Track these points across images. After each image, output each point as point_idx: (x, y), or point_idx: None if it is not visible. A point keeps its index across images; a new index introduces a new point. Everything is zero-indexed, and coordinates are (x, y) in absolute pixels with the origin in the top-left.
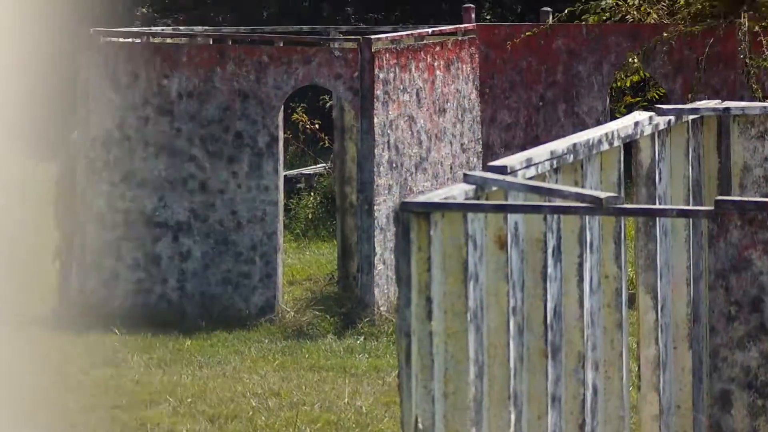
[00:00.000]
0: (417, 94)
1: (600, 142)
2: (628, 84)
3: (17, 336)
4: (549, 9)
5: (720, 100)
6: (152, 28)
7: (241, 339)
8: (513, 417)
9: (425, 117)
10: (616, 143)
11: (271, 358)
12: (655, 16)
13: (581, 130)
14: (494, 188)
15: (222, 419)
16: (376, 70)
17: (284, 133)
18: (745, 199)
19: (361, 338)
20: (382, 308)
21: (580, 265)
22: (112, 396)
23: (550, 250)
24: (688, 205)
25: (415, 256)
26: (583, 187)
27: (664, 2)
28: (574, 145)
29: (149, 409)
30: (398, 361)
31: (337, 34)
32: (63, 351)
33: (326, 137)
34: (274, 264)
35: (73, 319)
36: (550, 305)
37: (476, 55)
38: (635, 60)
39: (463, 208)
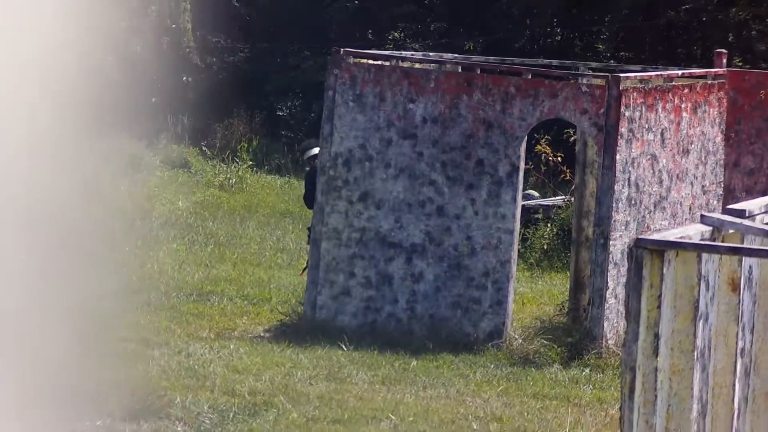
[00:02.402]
0: (662, 134)
1: None
2: None
3: (243, 344)
4: None
5: None
6: (402, 52)
7: (467, 363)
8: None
9: (668, 157)
10: None
11: (496, 384)
12: None
13: None
14: (731, 231)
15: None
16: (623, 108)
17: (526, 164)
18: None
19: (587, 370)
20: (610, 341)
21: None
22: (335, 410)
23: None
24: None
25: (647, 293)
26: None
27: None
28: None
29: (370, 425)
30: (621, 394)
31: (586, 71)
32: (289, 362)
33: (567, 170)
34: (505, 291)
35: (302, 331)
36: None
37: (724, 100)
38: None
39: (698, 248)
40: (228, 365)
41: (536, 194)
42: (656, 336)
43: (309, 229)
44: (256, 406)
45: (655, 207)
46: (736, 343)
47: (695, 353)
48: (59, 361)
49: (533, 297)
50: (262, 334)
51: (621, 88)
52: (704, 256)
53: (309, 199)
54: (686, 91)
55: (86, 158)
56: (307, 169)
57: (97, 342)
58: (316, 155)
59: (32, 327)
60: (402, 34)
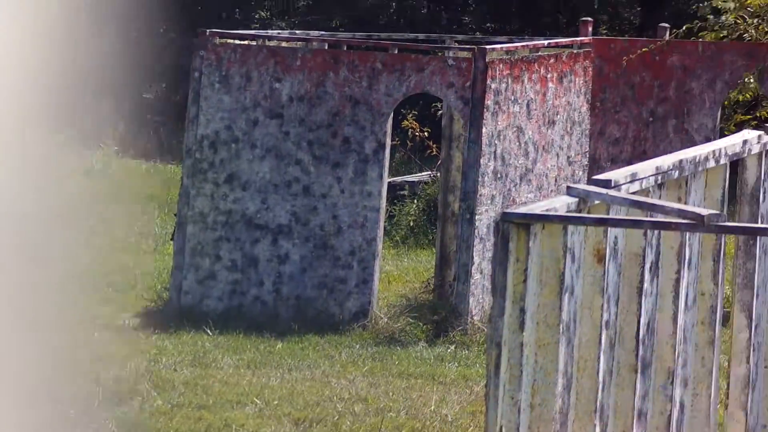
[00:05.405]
0: (527, 106)
1: (707, 159)
2: (740, 100)
3: (108, 332)
4: (667, 25)
5: None
6: (268, 31)
7: (333, 343)
8: (598, 430)
9: (534, 128)
10: (722, 161)
11: (361, 364)
12: None
13: (689, 147)
14: (596, 202)
15: (307, 423)
16: (489, 80)
17: (392, 140)
18: None
19: (453, 347)
20: (475, 317)
21: (677, 281)
22: (200, 395)
23: (647, 266)
24: None
25: (512, 267)
26: (686, 203)
27: None
28: (680, 161)
29: (235, 410)
30: (487, 370)
31: (453, 43)
32: (155, 347)
33: (434, 145)
34: (371, 270)
35: (167, 316)
36: (643, 320)
37: (590, 69)
38: (751, 79)
39: (563, 220)
40: (92, 353)
41: None
42: (522, 310)
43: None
44: (121, 394)
45: (521, 180)
46: (601, 315)
47: (561, 327)
48: None
49: (399, 275)
50: (127, 322)
51: (487, 60)
52: (570, 228)
53: None
54: (552, 61)
55: None
56: None
57: None
58: None
59: None
60: (268, 13)
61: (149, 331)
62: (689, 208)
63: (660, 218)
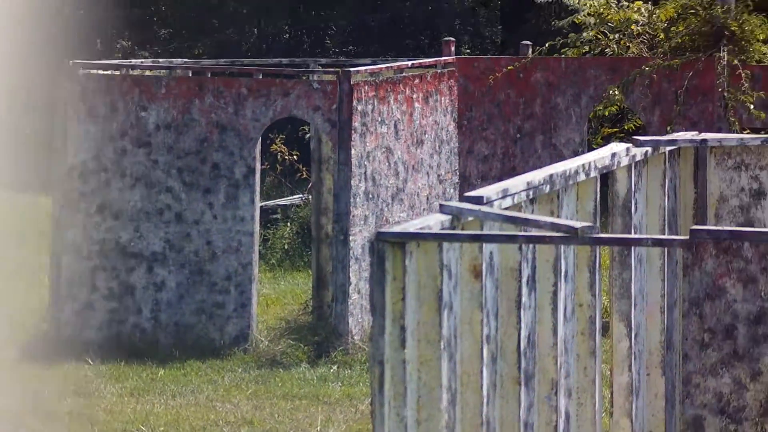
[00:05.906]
0: (395, 126)
1: (577, 172)
2: (606, 113)
3: None
4: (529, 42)
5: (697, 132)
6: (131, 60)
7: (215, 368)
8: None
9: (402, 148)
10: (592, 174)
11: (245, 387)
12: (634, 50)
13: (558, 162)
14: (470, 218)
15: None
16: (355, 102)
17: (262, 164)
18: (720, 228)
19: (335, 367)
20: (355, 337)
21: (555, 293)
22: (85, 425)
23: (524, 279)
24: (664, 234)
25: (390, 286)
26: (559, 216)
27: (644, 36)
28: (551, 175)
29: None
30: (371, 388)
31: (317, 67)
32: (36, 380)
33: (304, 168)
34: (248, 294)
35: (47, 348)
36: (523, 333)
37: (455, 88)
38: (616, 93)
39: (438, 237)
40: None
41: None
42: (402, 328)
43: None
44: (6, 428)
45: (392, 200)
46: (482, 330)
47: (442, 343)
48: None
49: (277, 298)
50: (6, 355)
51: (352, 82)
52: (445, 245)
53: None
54: (417, 81)
55: None
56: None
57: None
58: None
59: None
60: (129, 42)
61: (30, 363)
62: (562, 221)
63: (534, 232)
